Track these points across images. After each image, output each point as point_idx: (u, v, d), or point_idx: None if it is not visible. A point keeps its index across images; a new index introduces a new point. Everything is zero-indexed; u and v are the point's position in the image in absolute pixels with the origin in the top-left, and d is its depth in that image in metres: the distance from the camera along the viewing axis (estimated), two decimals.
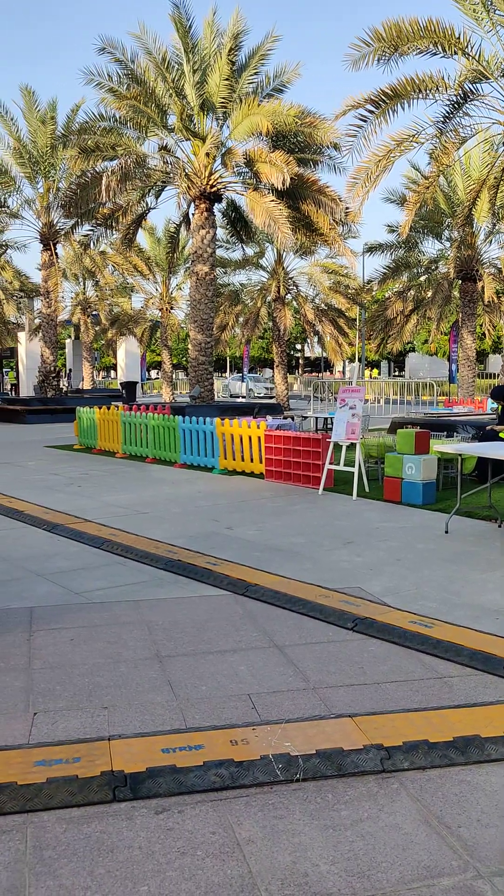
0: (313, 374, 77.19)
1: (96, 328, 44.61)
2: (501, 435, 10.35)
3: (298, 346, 77.82)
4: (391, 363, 74.14)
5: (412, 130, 15.21)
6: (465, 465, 10.38)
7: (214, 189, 20.50)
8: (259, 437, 12.01)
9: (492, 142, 18.94)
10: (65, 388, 34.14)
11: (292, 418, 18.11)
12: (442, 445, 9.84)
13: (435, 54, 14.32)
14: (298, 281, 33.34)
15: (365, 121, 14.95)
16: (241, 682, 4.22)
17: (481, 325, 34.17)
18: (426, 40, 13.91)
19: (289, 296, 33.49)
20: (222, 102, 19.64)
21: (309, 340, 48.90)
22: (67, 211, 21.35)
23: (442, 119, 15.19)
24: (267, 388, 49.11)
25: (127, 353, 46.35)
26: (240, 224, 24.12)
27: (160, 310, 37.91)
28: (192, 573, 6.37)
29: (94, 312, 43.58)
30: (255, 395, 48.93)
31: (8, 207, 26.80)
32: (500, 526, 8.37)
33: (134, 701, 3.98)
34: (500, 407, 12.03)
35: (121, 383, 38.87)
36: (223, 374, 74.12)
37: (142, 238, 36.94)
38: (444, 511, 9.06)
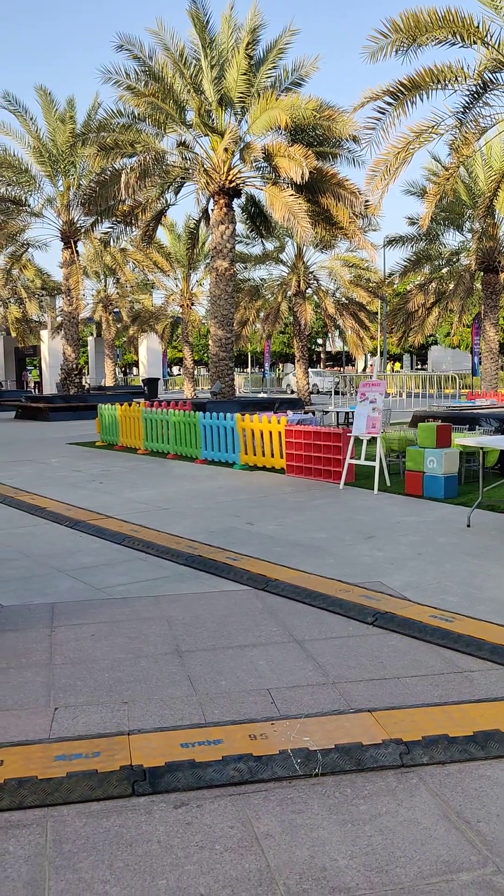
0: (335, 368, 76.95)
1: (118, 325, 44.77)
2: None
3: (320, 341, 77.62)
4: (413, 356, 73.72)
5: (431, 122, 15.08)
6: (488, 458, 10.31)
7: (233, 184, 20.47)
8: (280, 433, 12.00)
9: None
10: (87, 386, 34.33)
11: (313, 413, 18.08)
12: (464, 439, 9.78)
13: (454, 44, 14.17)
14: (319, 275, 33.22)
15: (384, 113, 14.84)
16: (260, 676, 4.22)
17: None
18: (444, 30, 13.77)
19: (309, 290, 33.40)
20: (240, 97, 19.60)
21: (330, 335, 48.77)
22: (87, 209, 21.44)
23: (461, 109, 15.03)
24: (334, 382, 44.84)
25: (149, 349, 46.49)
26: (259, 219, 24.07)
27: (181, 306, 37.96)
28: (213, 568, 6.39)
29: (115, 310, 43.74)
30: (321, 389, 46.58)
31: (29, 206, 26.96)
32: None
33: (154, 696, 3.99)
34: None
35: (143, 380, 39.02)
36: (244, 370, 74.11)
37: (162, 235, 37.01)
38: (466, 505, 9.00)
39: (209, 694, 4.00)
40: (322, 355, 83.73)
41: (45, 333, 44.85)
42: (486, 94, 14.81)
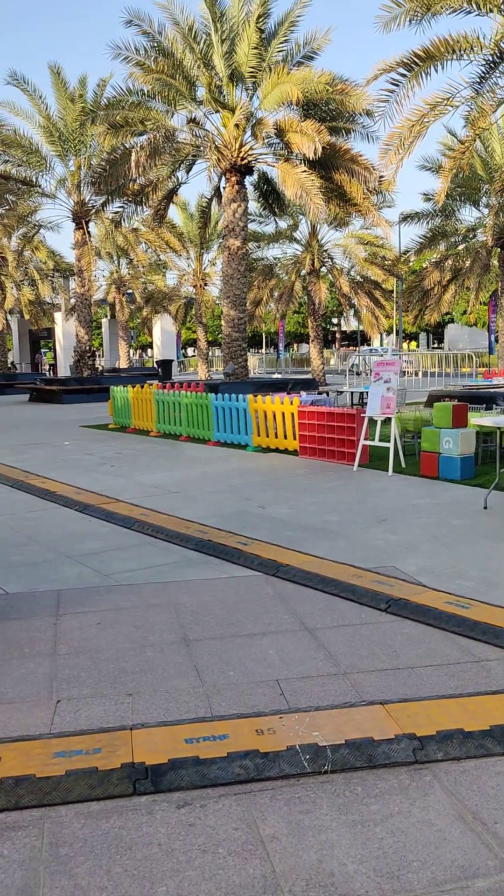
0: (350, 347, 76.44)
1: (131, 307, 44.59)
2: None
3: (335, 320, 77.06)
4: (430, 335, 73.04)
5: (446, 93, 14.70)
6: None
7: (245, 161, 20.15)
8: (292, 414, 11.83)
9: None
10: (100, 368, 34.21)
11: (327, 393, 17.87)
12: (480, 418, 9.57)
13: (469, 12, 13.78)
14: (333, 253, 32.84)
15: (397, 85, 14.49)
16: (269, 666, 4.09)
17: None
18: None
19: (323, 269, 33.03)
20: (251, 72, 19.24)
21: (345, 314, 48.31)
22: (98, 188, 21.18)
23: (477, 80, 14.64)
24: (409, 362, 40.38)
25: (162, 331, 46.28)
26: (272, 197, 23.74)
27: (194, 286, 37.70)
28: (223, 553, 6.26)
29: (128, 291, 43.54)
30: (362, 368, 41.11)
31: (40, 187, 26.73)
32: None
33: (159, 687, 3.87)
34: None
35: (156, 361, 38.85)
36: (258, 350, 73.76)
37: (174, 214, 36.69)
38: (482, 486, 8.81)
39: (216, 685, 3.88)
40: (337, 335, 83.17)
41: (58, 315, 44.73)
42: (503, 65, 14.42)
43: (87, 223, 27.56)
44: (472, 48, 14.16)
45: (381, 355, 36.08)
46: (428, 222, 28.70)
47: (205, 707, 3.64)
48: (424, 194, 28.63)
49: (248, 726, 3.39)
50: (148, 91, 19.81)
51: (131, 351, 58.39)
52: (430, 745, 3.22)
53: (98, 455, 12.22)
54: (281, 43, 19.73)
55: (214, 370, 44.25)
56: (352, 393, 18.16)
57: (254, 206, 25.64)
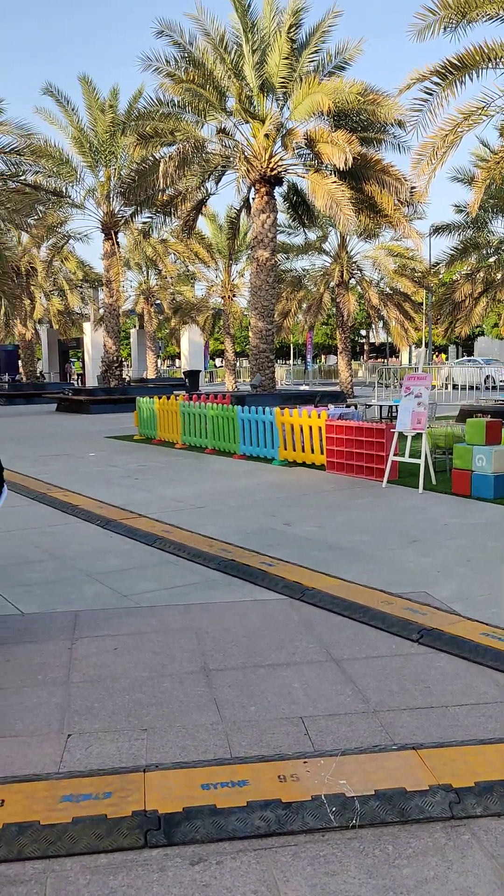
0: (378, 359, 75.97)
1: (160, 317, 44.63)
2: None
3: (363, 332, 76.64)
4: (459, 347, 72.36)
5: (481, 102, 14.44)
6: None
7: (275, 172, 20.02)
8: (320, 427, 11.58)
9: None
10: (127, 378, 34.22)
11: (355, 406, 17.59)
12: None
13: None
14: (363, 265, 32.62)
15: (431, 94, 14.27)
16: (293, 702, 3.84)
17: None
18: (496, 5, 13.14)
19: (353, 280, 32.81)
20: (282, 82, 19.12)
21: (374, 326, 48.00)
22: (127, 199, 21.20)
23: None
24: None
25: (190, 341, 46.24)
26: (301, 208, 23.59)
27: (222, 297, 37.64)
28: (246, 574, 6.02)
29: (157, 301, 43.59)
30: (500, 381, 35.99)
31: (70, 198, 26.81)
32: None
33: (176, 722, 3.64)
34: None
35: (184, 372, 38.80)
36: (286, 362, 73.61)
37: (203, 225, 36.71)
38: None
39: (236, 722, 3.64)
40: (366, 346, 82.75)
41: (87, 326, 44.88)
42: None
43: (115, 234, 27.60)
44: None
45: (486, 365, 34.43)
46: (459, 234, 28.32)
47: (224, 747, 3.40)
48: (456, 206, 28.26)
49: (271, 771, 3.14)
50: (178, 102, 19.78)
51: (159, 361, 58.46)
52: (468, 798, 2.95)
53: (122, 467, 12.06)
54: (312, 53, 19.61)
55: (241, 381, 44.13)
56: (380, 406, 17.86)
57: (283, 217, 25.50)
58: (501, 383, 34.96)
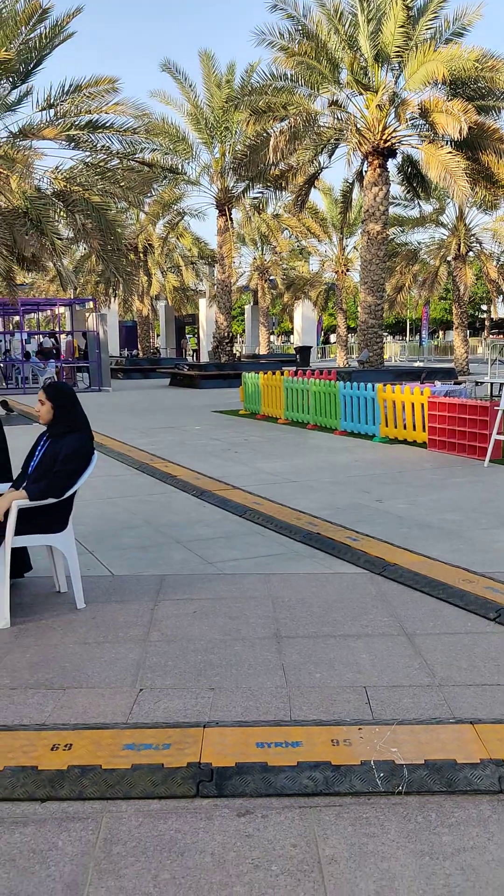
0: (500, 336, 73.44)
1: (273, 292, 44.73)
2: None
3: (484, 307, 74.22)
4: None
5: None
6: None
7: (388, 144, 19.64)
8: (422, 404, 11.41)
9: None
10: (238, 354, 34.57)
11: (465, 383, 17.16)
12: None
13: None
14: (482, 237, 31.58)
15: None
16: (359, 671, 3.90)
17: None
18: None
19: (471, 253, 31.84)
20: (397, 51, 18.67)
21: (493, 300, 46.44)
22: (239, 174, 21.30)
23: None
24: None
25: (303, 317, 46.17)
26: (416, 180, 23.04)
27: (335, 272, 37.34)
28: (330, 548, 6.08)
29: (270, 277, 43.69)
30: None
31: (185, 174, 27.19)
32: None
33: (242, 684, 3.77)
34: None
35: (295, 348, 38.83)
36: (401, 338, 72.31)
37: (318, 200, 36.44)
38: None
39: (301, 687, 3.73)
40: (486, 322, 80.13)
41: (202, 301, 45.54)
42: None
43: (229, 210, 27.79)
44: None
45: None
46: None
47: (285, 710, 3.51)
48: None
49: (325, 735, 3.22)
50: (290, 75, 19.67)
51: (273, 337, 58.71)
52: None
53: (224, 440, 12.29)
54: (430, 20, 19.04)
55: (353, 357, 43.76)
56: (491, 384, 17.34)
57: (397, 189, 25.01)
58: None
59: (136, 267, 34.38)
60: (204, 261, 40.74)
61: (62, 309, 32.68)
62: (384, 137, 19.45)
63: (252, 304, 51.18)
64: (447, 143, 18.22)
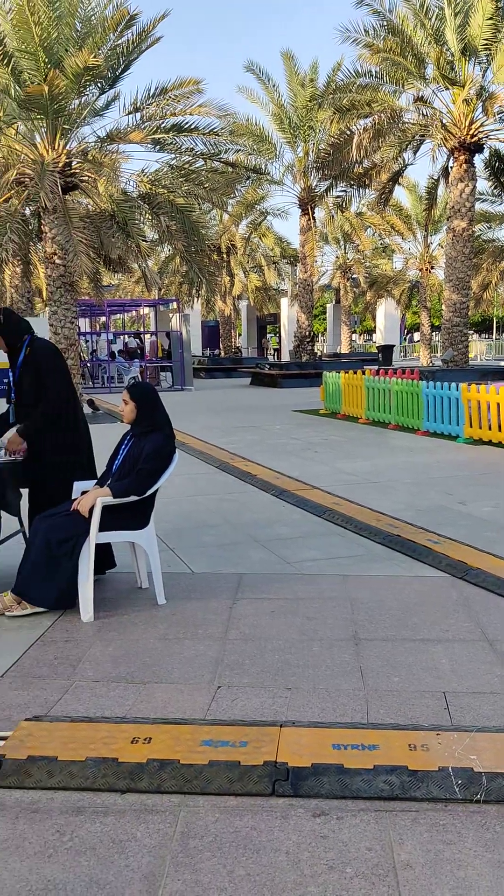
0: None
1: (355, 291, 44.39)
2: None
3: None
4: None
5: None
6: None
7: (474, 139, 19.24)
8: None
9: None
10: (319, 353, 34.48)
11: None
12: None
13: None
14: None
15: None
16: (439, 676, 3.85)
17: None
18: None
19: None
20: (485, 44, 18.25)
21: None
22: (322, 173, 21.24)
23: None
24: None
25: (386, 315, 45.63)
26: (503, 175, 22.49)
27: (420, 269, 36.81)
28: (411, 550, 6.01)
29: (353, 276, 43.38)
30: None
31: (268, 174, 27.27)
32: None
33: (319, 685, 3.78)
34: None
35: (378, 347, 38.45)
36: (488, 336, 70.69)
37: (402, 197, 36.01)
38: None
39: (378, 690, 3.71)
40: None
41: (284, 301, 45.57)
42: None
43: (312, 209, 27.74)
44: None
45: None
46: None
47: (361, 712, 3.49)
48: None
49: (402, 739, 3.20)
50: (375, 72, 19.49)
51: (355, 336, 58.26)
52: None
53: (304, 440, 12.29)
54: None
55: (436, 356, 43.03)
56: None
57: (484, 185, 24.47)
58: None
59: (218, 267, 34.67)
60: (286, 260, 40.79)
61: (146, 309, 33.23)
62: (470, 132, 19.06)
63: (334, 302, 50.91)
64: None
